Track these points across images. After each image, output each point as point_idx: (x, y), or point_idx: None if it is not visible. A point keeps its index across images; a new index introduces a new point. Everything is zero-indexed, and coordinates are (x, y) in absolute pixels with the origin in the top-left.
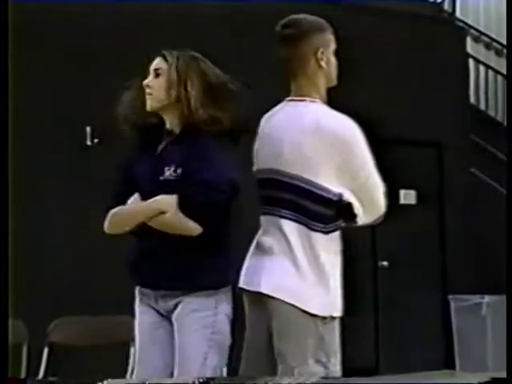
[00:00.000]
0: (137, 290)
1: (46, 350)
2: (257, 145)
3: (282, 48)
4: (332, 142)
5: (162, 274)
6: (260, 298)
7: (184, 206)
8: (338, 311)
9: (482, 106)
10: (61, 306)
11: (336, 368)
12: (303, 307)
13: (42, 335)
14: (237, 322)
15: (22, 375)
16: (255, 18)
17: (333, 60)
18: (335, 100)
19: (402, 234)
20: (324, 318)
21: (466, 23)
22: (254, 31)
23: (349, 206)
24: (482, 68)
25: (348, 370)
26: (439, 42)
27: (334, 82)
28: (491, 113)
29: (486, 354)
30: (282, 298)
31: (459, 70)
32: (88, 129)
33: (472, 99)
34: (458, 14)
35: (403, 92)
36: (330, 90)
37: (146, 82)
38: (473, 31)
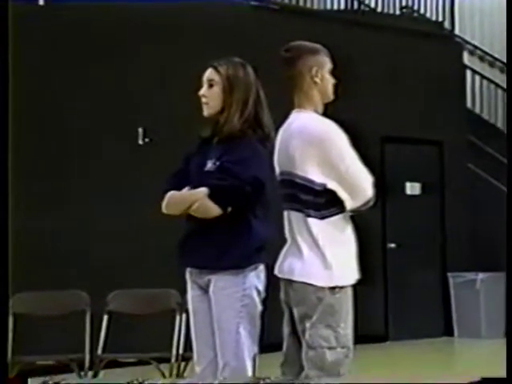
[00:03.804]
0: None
1: (105, 317)
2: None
3: (284, 68)
4: (311, 141)
5: (197, 254)
6: (284, 283)
7: (213, 193)
8: (342, 281)
9: (477, 110)
10: (117, 279)
11: (346, 332)
12: (310, 281)
13: (102, 304)
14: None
15: (87, 338)
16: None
17: (328, 77)
18: (355, 108)
19: (408, 220)
20: (333, 288)
21: (463, 39)
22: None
23: (334, 194)
24: (477, 77)
25: (361, 337)
26: (440, 56)
27: (330, 97)
28: (485, 116)
29: (480, 322)
30: (292, 278)
31: (458, 80)
32: (140, 129)
33: (469, 104)
34: (456, 31)
35: (409, 98)
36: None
37: (201, 92)
38: (469, 46)
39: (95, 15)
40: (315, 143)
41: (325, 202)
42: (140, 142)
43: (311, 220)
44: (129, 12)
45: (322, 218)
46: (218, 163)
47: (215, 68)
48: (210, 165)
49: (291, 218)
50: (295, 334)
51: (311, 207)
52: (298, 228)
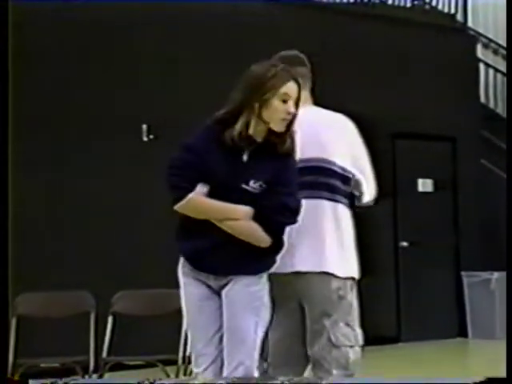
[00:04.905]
0: (181, 264)
1: (110, 318)
2: None
3: (300, 67)
4: (344, 132)
5: (222, 262)
6: (290, 278)
7: (263, 221)
8: (357, 273)
9: (491, 105)
10: (122, 280)
11: (358, 331)
12: (331, 271)
13: (107, 305)
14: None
15: (91, 340)
16: None
17: None
18: (365, 103)
19: (420, 217)
20: (352, 280)
21: (476, 32)
22: None
23: (358, 184)
24: (490, 71)
25: (372, 339)
26: (453, 49)
27: None
28: (499, 111)
29: (495, 323)
30: (311, 270)
31: (471, 73)
32: (144, 126)
33: (482, 98)
34: (469, 23)
35: (421, 93)
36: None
37: (292, 110)
38: (482, 39)
39: (102, 12)
40: (347, 134)
41: (350, 192)
42: (144, 138)
43: (342, 208)
44: (137, 9)
45: (348, 206)
46: (264, 186)
47: (298, 83)
48: (253, 184)
49: (315, 207)
50: (297, 334)
51: (342, 194)
52: (322, 217)
